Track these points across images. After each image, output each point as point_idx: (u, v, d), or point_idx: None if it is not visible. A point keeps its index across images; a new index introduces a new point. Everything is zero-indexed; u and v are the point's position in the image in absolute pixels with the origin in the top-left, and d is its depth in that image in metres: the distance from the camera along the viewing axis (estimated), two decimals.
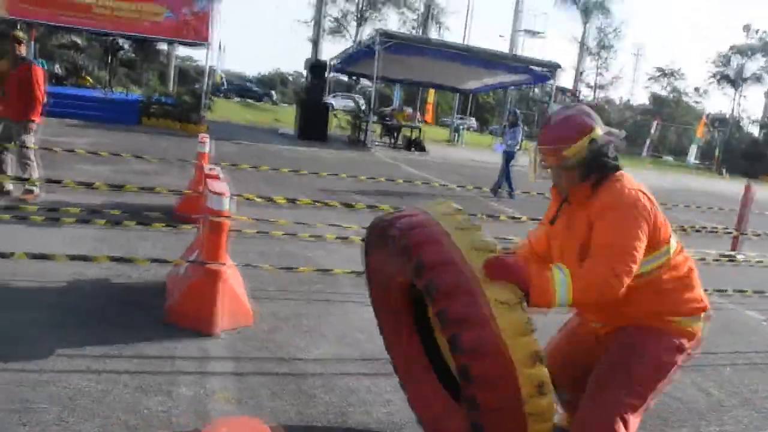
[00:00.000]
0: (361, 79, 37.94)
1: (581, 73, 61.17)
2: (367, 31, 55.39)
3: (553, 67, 22.92)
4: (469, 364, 2.29)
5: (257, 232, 5.74)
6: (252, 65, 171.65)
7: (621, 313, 2.72)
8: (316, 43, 27.03)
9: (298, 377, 3.69)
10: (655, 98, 69.55)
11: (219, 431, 1.22)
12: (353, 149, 21.40)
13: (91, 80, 28.69)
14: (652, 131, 48.02)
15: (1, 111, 7.74)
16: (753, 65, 63.79)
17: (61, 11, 19.11)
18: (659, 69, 69.83)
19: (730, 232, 9.28)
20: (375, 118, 24.01)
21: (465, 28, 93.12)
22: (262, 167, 7.39)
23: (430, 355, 3.12)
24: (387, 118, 25.86)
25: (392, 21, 59.01)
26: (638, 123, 59.59)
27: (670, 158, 54.25)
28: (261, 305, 4.64)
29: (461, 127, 36.23)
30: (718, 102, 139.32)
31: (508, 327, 2.33)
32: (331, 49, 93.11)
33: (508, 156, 13.82)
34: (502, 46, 53.87)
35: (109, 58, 22.41)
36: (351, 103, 38.21)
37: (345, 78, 48.79)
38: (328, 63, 25.76)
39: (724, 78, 65.59)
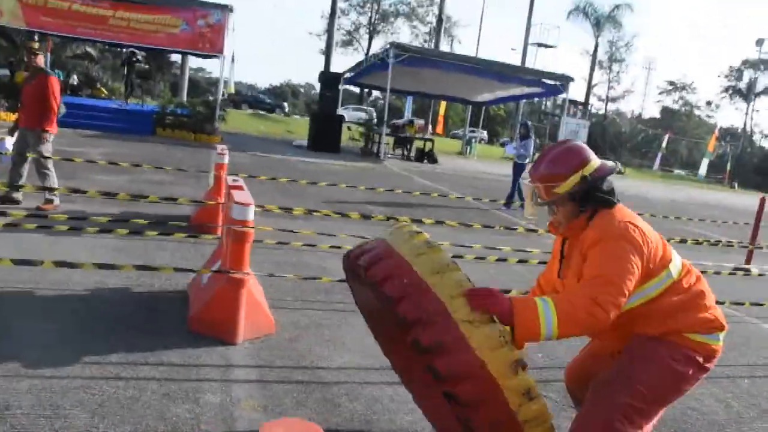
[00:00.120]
0: (373, 90, 38.15)
1: (593, 86, 61.21)
2: (378, 44, 55.72)
3: (565, 80, 22.97)
4: (453, 389, 2.33)
5: (277, 243, 5.79)
6: (263, 76, 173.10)
7: (635, 336, 2.74)
8: (328, 55, 27.15)
9: (322, 385, 3.73)
10: (666, 111, 69.49)
11: (275, 430, 1.26)
12: (366, 161, 21.47)
13: (105, 91, 28.94)
14: (663, 145, 47.96)
15: (18, 121, 7.87)
16: (765, 79, 63.76)
17: (78, 23, 19.31)
18: (671, 83, 69.89)
19: (746, 246, 9.27)
20: (388, 131, 24.07)
21: (477, 41, 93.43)
22: (280, 179, 7.44)
23: None
24: (399, 130, 25.94)
25: (404, 34, 59.40)
26: (649, 136, 59.53)
27: (681, 172, 54.13)
28: (281, 314, 4.69)
29: (473, 139, 36.27)
30: (730, 116, 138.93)
31: (482, 343, 2.35)
32: (343, 61, 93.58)
33: (519, 168, 13.81)
34: (514, 59, 54.03)
35: (126, 69, 22.57)
36: (363, 115, 38.35)
37: (356, 90, 49.08)
38: (341, 75, 25.85)
39: (736, 92, 65.49)
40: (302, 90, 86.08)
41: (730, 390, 4.58)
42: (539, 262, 5.54)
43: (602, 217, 2.68)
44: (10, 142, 7.85)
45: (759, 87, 63.84)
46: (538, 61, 54.89)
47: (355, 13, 58.16)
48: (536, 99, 38.63)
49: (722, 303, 5.94)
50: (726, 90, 66.76)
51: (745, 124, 66.63)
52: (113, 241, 6.14)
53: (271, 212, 6.25)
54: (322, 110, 23.54)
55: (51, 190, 7.32)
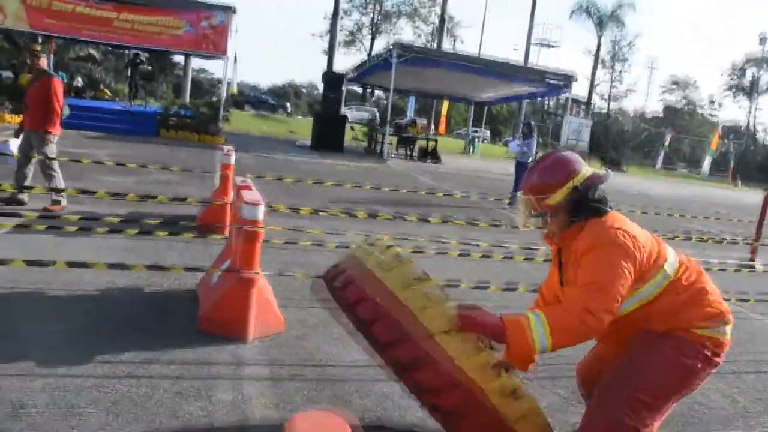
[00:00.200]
0: (375, 90, 38.19)
1: (595, 84, 61.18)
2: (380, 44, 55.75)
3: (568, 79, 22.97)
4: (437, 401, 2.36)
5: (285, 242, 5.82)
6: (265, 77, 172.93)
7: (641, 333, 2.76)
8: (330, 55, 27.18)
9: (332, 383, 3.77)
10: (669, 110, 69.40)
11: (303, 425, 1.29)
12: (369, 160, 21.50)
13: (109, 93, 29.00)
14: (666, 143, 47.93)
15: (24, 123, 7.91)
16: None
17: (82, 25, 19.40)
18: (673, 81, 69.81)
19: (750, 242, 9.30)
20: (391, 130, 24.11)
21: (480, 41, 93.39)
22: (286, 179, 7.48)
23: None
24: (402, 130, 25.99)
25: (406, 34, 59.36)
26: (652, 135, 59.47)
27: (684, 170, 54.08)
28: (290, 313, 4.72)
29: (476, 138, 36.28)
30: (733, 113, 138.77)
31: (459, 352, 2.38)
32: (346, 61, 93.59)
33: (522, 167, 13.80)
34: (517, 58, 53.96)
35: (130, 71, 22.65)
36: (366, 115, 38.38)
37: (359, 89, 49.11)
38: (344, 76, 25.89)
39: (739, 89, 65.41)
40: (305, 90, 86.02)
41: (736, 385, 4.60)
42: (545, 260, 5.57)
43: (593, 225, 2.70)
44: (15, 144, 7.90)
45: (762, 84, 63.78)
46: (541, 60, 54.71)
47: (357, 14, 58.22)
48: (539, 98, 38.56)
49: (728, 299, 5.98)
50: (729, 88, 66.70)
51: (748, 122, 66.57)
52: (122, 241, 6.18)
53: (277, 212, 6.28)
54: (325, 110, 23.59)
55: (59, 191, 7.36)
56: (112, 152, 14.24)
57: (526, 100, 35.12)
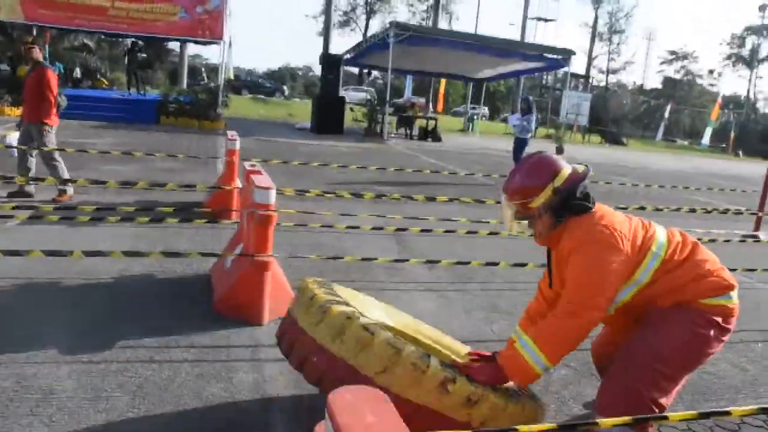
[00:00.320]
0: (372, 71, 38.00)
1: (593, 58, 60.96)
2: (376, 24, 55.49)
3: (567, 54, 22.90)
4: None
5: (295, 225, 5.88)
6: (261, 61, 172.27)
7: (651, 308, 2.81)
8: (326, 37, 27.05)
9: None
10: (668, 81, 69.19)
11: (345, 398, 1.35)
12: (370, 141, 21.50)
13: (106, 82, 28.95)
14: (666, 115, 47.81)
15: (23, 115, 7.94)
16: None
17: (77, 15, 19.34)
18: (672, 52, 69.52)
19: (755, 213, 9.34)
20: (391, 110, 24.09)
21: (476, 17, 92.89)
22: (292, 162, 7.52)
23: None
24: (402, 110, 25.97)
25: (401, 12, 59.06)
26: (651, 107, 59.32)
27: (684, 142, 54.00)
28: None
29: (475, 116, 36.20)
30: (733, 83, 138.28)
31: (402, 384, 2.44)
32: (341, 42, 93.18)
33: (522, 143, 13.82)
34: (513, 34, 53.72)
35: (127, 60, 22.61)
36: (363, 95, 38.29)
37: (355, 70, 48.93)
38: (342, 57, 25.81)
39: (739, 59, 65.15)
40: (300, 73, 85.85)
41: (745, 354, 4.65)
42: None
43: (575, 225, 2.74)
44: (15, 136, 7.92)
45: (762, 53, 63.54)
46: (538, 35, 54.66)
47: None
48: (537, 74, 38.43)
49: (734, 270, 6.04)
50: (728, 57, 66.45)
51: (748, 92, 66.40)
52: (131, 229, 6.24)
53: (283, 195, 6.33)
54: (324, 92, 23.55)
55: (65, 181, 7.40)
56: (114, 141, 14.27)
57: (524, 76, 35.06)
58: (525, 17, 43.19)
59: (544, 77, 53.67)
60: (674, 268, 2.75)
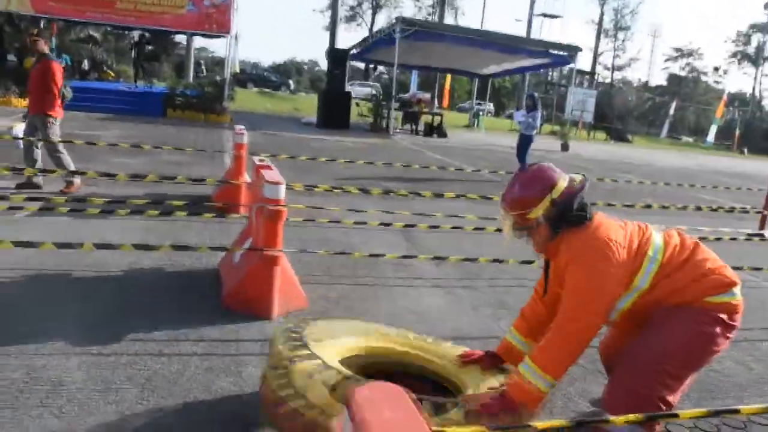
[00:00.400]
0: (378, 66, 38.02)
1: (599, 54, 60.84)
2: (382, 19, 55.44)
3: (573, 50, 22.85)
4: None
5: (304, 220, 5.90)
6: (266, 54, 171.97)
7: (656, 308, 2.82)
8: (333, 31, 27.04)
9: None
10: (673, 78, 69.01)
11: (367, 394, 1.36)
12: (376, 136, 21.51)
13: (113, 74, 28.99)
14: (671, 112, 47.72)
15: (28, 106, 7.97)
16: None
17: (85, 7, 19.38)
18: (677, 49, 69.32)
19: (760, 212, 9.34)
20: (396, 106, 24.09)
21: (482, 12, 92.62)
22: (299, 157, 7.54)
23: None
24: (408, 105, 25.97)
25: (407, 7, 59.05)
26: (656, 104, 59.20)
27: (689, 139, 53.90)
28: (310, 289, 4.77)
29: (480, 112, 36.18)
30: (738, 81, 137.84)
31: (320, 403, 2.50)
32: (347, 37, 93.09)
33: (527, 140, 13.81)
34: (519, 30, 53.62)
35: (134, 52, 22.66)
36: (369, 90, 38.27)
37: (361, 65, 48.92)
38: (348, 52, 25.80)
39: (744, 57, 64.95)
40: (306, 67, 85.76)
41: (750, 353, 4.66)
42: None
43: (572, 237, 2.75)
44: (22, 128, 7.94)
45: (767, 51, 63.28)
46: (543, 31, 54.62)
47: None
48: (543, 70, 38.37)
49: (740, 268, 6.05)
50: (734, 55, 66.24)
51: (753, 89, 66.18)
52: (140, 222, 6.26)
53: (292, 190, 6.35)
54: (330, 87, 23.55)
55: (73, 172, 7.41)
56: (121, 133, 14.29)
57: (530, 73, 35.02)
58: (531, 13, 43.18)
59: (550, 74, 53.57)
60: (674, 271, 2.76)
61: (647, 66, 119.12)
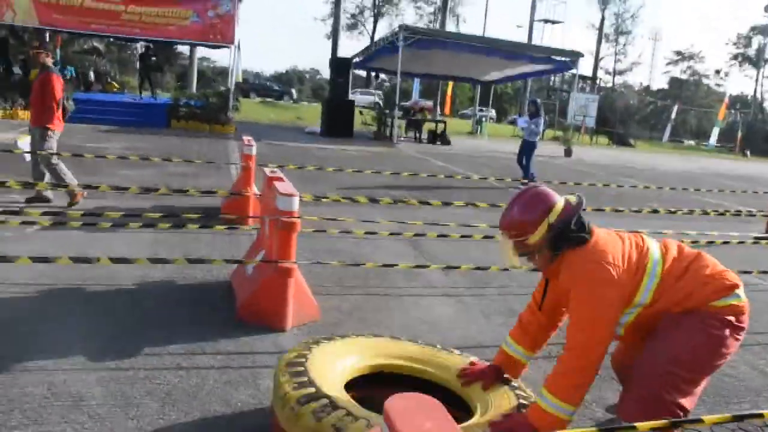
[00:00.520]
0: (380, 74, 38.00)
1: (600, 58, 60.92)
2: (383, 26, 55.57)
3: (575, 56, 22.89)
4: None
5: (314, 230, 5.93)
6: (267, 63, 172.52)
7: (664, 315, 2.85)
8: (335, 40, 27.13)
9: None
10: (675, 82, 69.02)
11: (400, 404, 1.39)
12: (380, 145, 21.54)
13: (117, 85, 29.09)
14: (673, 116, 47.72)
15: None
16: None
17: (90, 19, 19.48)
18: (678, 52, 69.37)
19: (766, 215, 9.37)
20: (400, 113, 24.13)
21: (484, 19, 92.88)
22: (307, 167, 7.58)
23: None
24: (411, 113, 26.02)
25: (408, 15, 59.10)
26: (658, 108, 59.20)
27: (691, 142, 53.89)
28: (322, 301, 4.80)
29: (483, 118, 36.21)
30: (739, 84, 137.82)
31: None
32: (349, 45, 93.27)
33: (530, 146, 13.84)
34: (520, 36, 53.67)
35: (139, 64, 22.76)
36: (372, 99, 38.35)
37: (362, 73, 49.02)
38: (351, 60, 25.86)
39: (745, 59, 64.98)
40: (307, 76, 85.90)
41: (763, 357, 4.67)
42: None
43: (572, 259, 2.77)
44: (27, 141, 7.97)
45: None
46: (545, 36, 54.74)
47: None
48: (545, 76, 38.40)
49: (749, 272, 6.07)
50: (735, 57, 66.27)
51: (755, 91, 66.19)
52: (149, 234, 6.30)
53: (301, 200, 6.37)
54: (334, 96, 23.61)
55: (64, 185, 7.40)
56: (126, 145, 14.34)
57: (531, 78, 35.05)
58: (532, 19, 43.23)
59: (552, 79, 53.65)
60: (675, 282, 2.79)
61: (648, 70, 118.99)
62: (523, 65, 24.64)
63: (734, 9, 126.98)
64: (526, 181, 12.97)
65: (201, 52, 33.70)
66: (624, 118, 48.77)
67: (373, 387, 3.10)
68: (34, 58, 8.01)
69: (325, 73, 25.73)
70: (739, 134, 46.99)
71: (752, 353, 4.69)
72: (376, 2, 58.04)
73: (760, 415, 2.02)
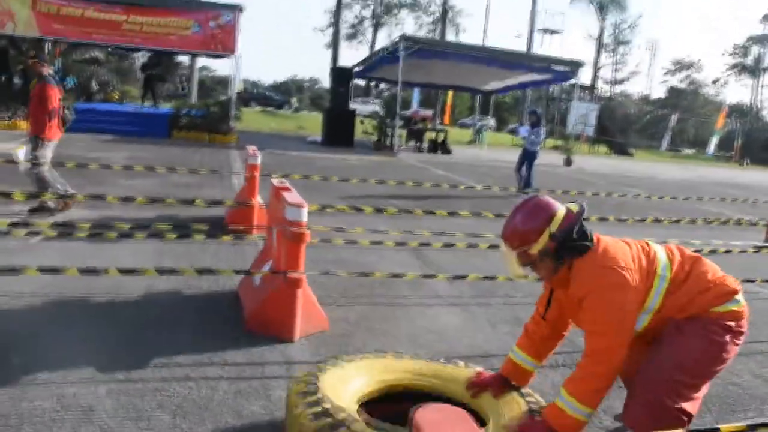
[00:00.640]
0: (380, 83, 38.14)
1: (599, 68, 61.04)
2: (383, 36, 55.67)
3: (575, 66, 22.96)
4: None
5: (320, 240, 5.94)
6: (266, 73, 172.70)
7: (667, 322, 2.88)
8: (335, 49, 27.21)
9: None
10: (673, 91, 69.13)
11: (429, 416, 1.39)
12: (380, 154, 21.58)
13: (118, 95, 29.09)
14: (671, 125, 47.81)
15: None
16: None
17: (91, 29, 19.49)
18: (676, 62, 69.54)
19: (766, 224, 9.38)
20: (400, 123, 24.18)
21: (484, 29, 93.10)
22: (312, 176, 7.59)
23: None
24: (413, 123, 26.07)
25: (408, 25, 59.23)
26: (656, 117, 59.29)
27: (689, 151, 53.97)
28: (329, 311, 4.79)
29: (483, 127, 36.27)
30: (737, 93, 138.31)
31: None
32: (348, 54, 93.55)
33: (531, 155, 13.87)
34: (519, 46, 53.88)
35: (145, 75, 22.81)
36: (372, 108, 38.40)
37: (362, 82, 49.12)
38: (352, 70, 25.92)
39: (742, 69, 65.17)
40: (306, 85, 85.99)
41: (766, 365, 4.69)
42: None
43: (581, 267, 2.77)
44: (22, 151, 7.94)
45: (765, 62, 63.49)
46: (544, 46, 54.78)
47: (358, 6, 58.02)
48: (545, 85, 38.50)
49: (753, 281, 6.08)
50: (732, 67, 66.39)
51: (752, 100, 66.32)
52: (154, 244, 6.29)
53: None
54: (334, 105, 23.66)
55: (44, 193, 7.38)
56: (127, 155, 14.34)
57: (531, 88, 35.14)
58: (532, 29, 43.38)
59: (551, 88, 53.75)
60: (680, 287, 2.81)
61: (647, 79, 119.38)
62: (524, 75, 24.70)
63: (732, 19, 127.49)
64: (527, 191, 13.02)
65: (201, 61, 33.76)
66: (623, 127, 48.87)
67: (384, 406, 3.11)
68: (32, 67, 8.00)
69: (325, 82, 25.99)
70: (737, 143, 47.10)
71: (755, 362, 4.71)
72: (376, 12, 58.16)
73: None
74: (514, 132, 42.47)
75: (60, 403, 3.24)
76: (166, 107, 24.16)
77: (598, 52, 59.78)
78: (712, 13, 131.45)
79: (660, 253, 2.89)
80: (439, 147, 24.92)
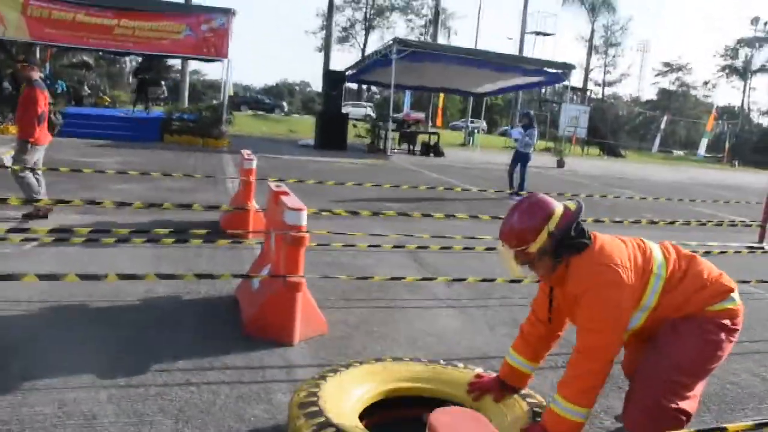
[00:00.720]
0: (371, 86, 38.19)
1: (590, 70, 61.33)
2: (374, 39, 55.77)
3: (567, 68, 23.06)
4: None
5: (317, 244, 5.94)
6: (257, 76, 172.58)
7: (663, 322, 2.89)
8: (327, 53, 27.21)
9: None
10: (663, 93, 69.52)
11: (445, 419, 1.40)
12: (373, 157, 21.58)
13: (108, 99, 29.02)
14: (662, 126, 48.04)
15: None
16: (762, 57, 63.95)
17: (83, 33, 19.37)
18: (666, 64, 69.94)
19: (762, 225, 9.44)
20: (393, 126, 24.20)
21: (476, 32, 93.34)
22: (307, 180, 7.59)
23: None
24: (405, 125, 26.10)
25: (400, 28, 59.32)
26: (647, 119, 59.60)
27: (680, 153, 54.27)
28: (328, 314, 4.78)
29: (475, 130, 36.35)
30: (727, 95, 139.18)
31: None
32: (340, 58, 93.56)
33: (524, 157, 13.88)
34: (511, 48, 53.99)
35: (137, 80, 22.75)
36: (363, 111, 38.44)
37: (353, 85, 49.15)
38: (344, 73, 25.94)
39: (732, 71, 65.61)
40: (297, 88, 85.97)
41: (763, 364, 4.72)
42: None
43: (578, 265, 2.78)
44: (9, 157, 7.91)
45: (755, 64, 64.01)
46: (536, 48, 54.93)
47: (350, 9, 58.09)
48: (537, 88, 38.63)
49: (747, 282, 6.11)
50: (722, 69, 66.88)
51: (742, 102, 66.79)
52: (150, 249, 6.28)
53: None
54: (327, 109, 23.68)
55: (35, 199, 7.34)
56: (119, 159, 14.30)
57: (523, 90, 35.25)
58: (523, 32, 43.50)
59: (542, 90, 53.90)
60: (676, 285, 2.83)
61: (638, 81, 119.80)
62: (516, 77, 24.79)
63: (721, 21, 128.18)
64: (523, 192, 13.04)
65: (192, 65, 33.69)
66: (614, 128, 49.08)
67: (384, 412, 3.14)
68: (21, 71, 7.98)
69: (316, 85, 25.98)
70: (727, 145, 47.40)
71: (753, 361, 4.75)
72: (367, 15, 58.25)
73: None
74: (505, 134, 42.49)
75: (61, 408, 3.22)
76: (157, 110, 24.08)
77: (589, 55, 60.06)
78: (702, 15, 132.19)
79: (656, 251, 2.90)
80: (432, 150, 24.95)
